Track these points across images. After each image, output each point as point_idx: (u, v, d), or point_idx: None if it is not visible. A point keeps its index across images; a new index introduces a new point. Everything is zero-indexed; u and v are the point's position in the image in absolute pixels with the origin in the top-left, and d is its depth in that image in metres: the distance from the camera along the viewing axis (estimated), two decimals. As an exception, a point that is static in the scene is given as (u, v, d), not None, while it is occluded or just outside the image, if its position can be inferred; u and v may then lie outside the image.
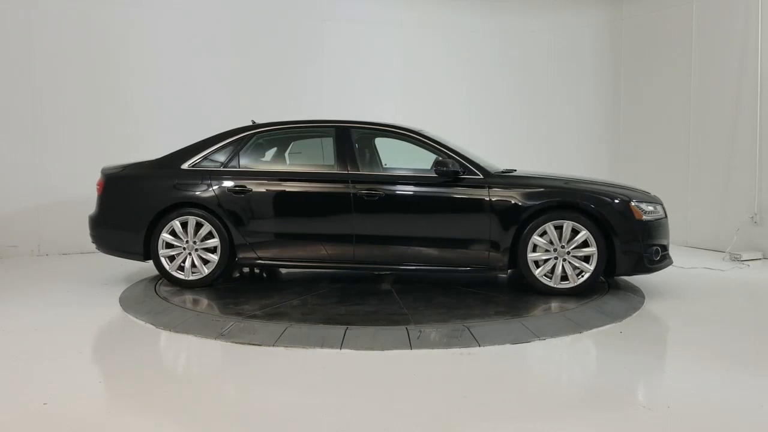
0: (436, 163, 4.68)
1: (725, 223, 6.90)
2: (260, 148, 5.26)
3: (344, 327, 3.78)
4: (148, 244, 4.90)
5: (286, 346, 3.57)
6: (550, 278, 4.56)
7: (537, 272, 4.56)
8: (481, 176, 4.68)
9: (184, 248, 4.85)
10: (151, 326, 4.02)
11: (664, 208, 4.81)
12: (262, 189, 4.83)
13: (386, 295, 4.69)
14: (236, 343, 3.65)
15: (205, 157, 5.00)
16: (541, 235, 4.55)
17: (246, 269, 5.68)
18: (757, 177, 6.58)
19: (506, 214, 4.57)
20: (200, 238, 4.84)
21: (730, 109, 6.88)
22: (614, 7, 8.35)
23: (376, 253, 4.74)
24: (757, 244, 6.59)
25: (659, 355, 3.63)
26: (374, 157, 5.37)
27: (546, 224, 4.53)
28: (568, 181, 4.78)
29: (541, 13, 8.52)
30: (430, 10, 8.28)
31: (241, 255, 4.85)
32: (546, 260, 4.56)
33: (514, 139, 8.42)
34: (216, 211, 4.81)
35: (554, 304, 4.37)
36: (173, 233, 4.85)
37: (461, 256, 4.69)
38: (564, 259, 4.54)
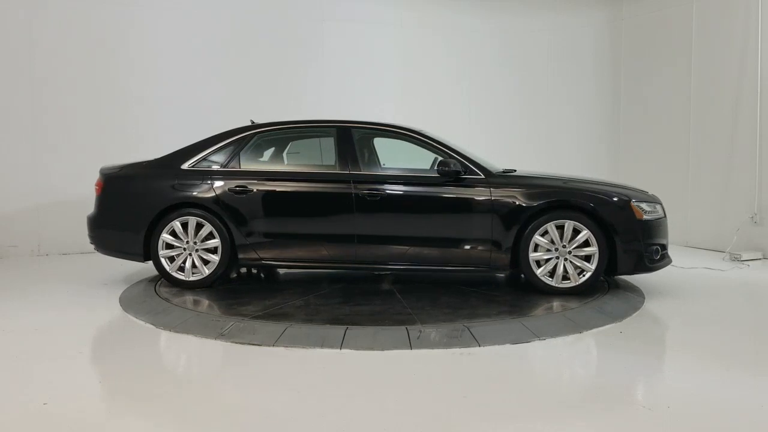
0: (439, 163, 4.69)
1: (725, 223, 6.90)
2: (261, 148, 5.26)
3: (344, 327, 3.78)
4: (148, 244, 4.89)
5: (286, 346, 3.57)
6: (552, 278, 4.57)
7: (539, 272, 4.57)
8: (483, 176, 4.69)
9: (185, 249, 4.85)
10: (151, 326, 4.03)
11: (663, 208, 4.82)
12: (264, 189, 4.83)
13: (389, 295, 4.69)
14: (236, 343, 3.65)
15: (205, 157, 4.99)
16: (542, 235, 4.56)
17: (243, 270, 5.68)
18: (757, 177, 6.58)
19: (508, 213, 4.58)
20: (201, 239, 4.84)
21: (730, 109, 6.88)
22: (614, 7, 8.35)
23: (378, 253, 4.74)
24: (757, 244, 6.59)
25: (659, 355, 3.63)
26: (374, 157, 5.37)
27: (547, 224, 4.54)
28: (568, 180, 4.79)
29: (541, 13, 8.51)
30: (430, 10, 8.28)
31: (242, 255, 4.85)
32: (547, 260, 4.57)
33: (514, 139, 8.42)
34: (217, 211, 4.81)
35: (556, 304, 4.38)
36: (173, 234, 4.84)
37: (463, 256, 4.69)
38: (565, 259, 4.55)
